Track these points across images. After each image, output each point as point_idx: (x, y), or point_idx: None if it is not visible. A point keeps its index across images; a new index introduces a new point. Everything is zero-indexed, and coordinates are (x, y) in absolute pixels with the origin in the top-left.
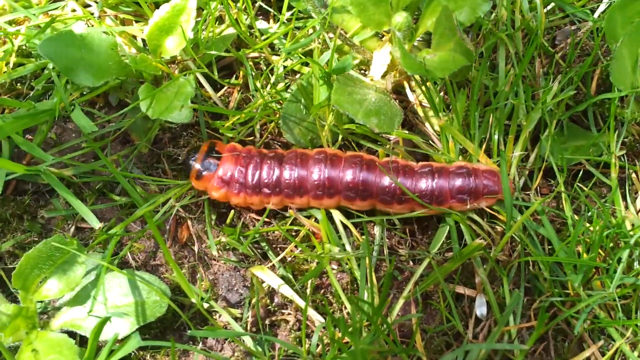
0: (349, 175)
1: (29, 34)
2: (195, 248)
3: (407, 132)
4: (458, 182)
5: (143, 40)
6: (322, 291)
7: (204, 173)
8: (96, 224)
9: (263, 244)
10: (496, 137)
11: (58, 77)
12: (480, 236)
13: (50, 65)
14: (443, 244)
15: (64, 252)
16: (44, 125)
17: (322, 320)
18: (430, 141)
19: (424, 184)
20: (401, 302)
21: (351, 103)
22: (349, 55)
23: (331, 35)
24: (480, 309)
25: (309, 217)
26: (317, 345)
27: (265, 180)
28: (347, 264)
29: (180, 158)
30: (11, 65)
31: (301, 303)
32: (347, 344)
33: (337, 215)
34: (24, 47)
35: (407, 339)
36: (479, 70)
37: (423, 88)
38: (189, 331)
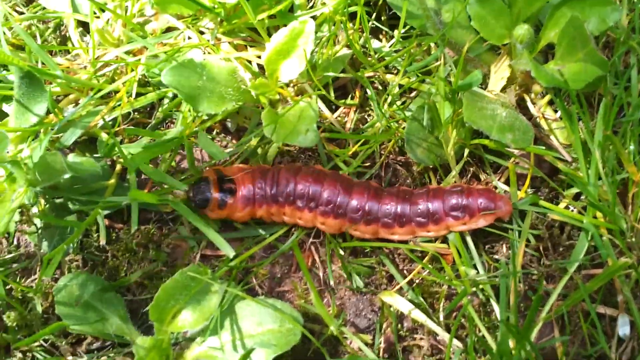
0: (355, 199)
1: (149, 64)
2: (320, 273)
3: (542, 147)
4: (452, 199)
5: (258, 65)
6: (454, 314)
7: (227, 200)
8: (231, 253)
9: (387, 266)
10: (632, 147)
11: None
12: (621, 252)
13: (170, 94)
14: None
15: (198, 282)
16: (168, 154)
17: (460, 345)
18: (559, 155)
19: (421, 204)
20: (540, 323)
21: (484, 119)
22: (476, 70)
23: (447, 51)
24: (623, 329)
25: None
26: None
27: (281, 190)
28: (480, 285)
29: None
30: (133, 95)
31: (435, 328)
32: None
33: (467, 236)
34: (140, 78)
35: None
36: (617, 81)
37: (557, 100)
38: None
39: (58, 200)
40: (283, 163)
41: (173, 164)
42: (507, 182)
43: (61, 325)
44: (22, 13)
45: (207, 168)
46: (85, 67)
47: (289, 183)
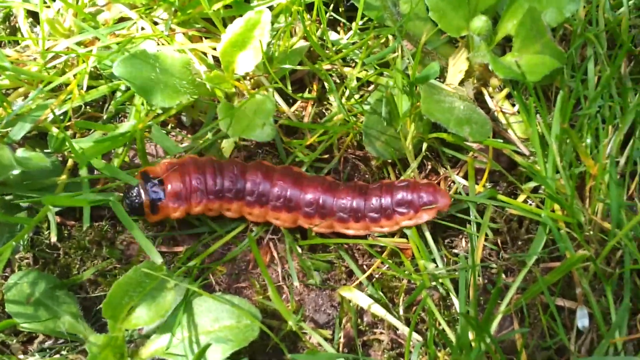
0: (309, 193)
1: (100, 55)
2: (279, 269)
3: (500, 140)
4: (398, 194)
5: (214, 57)
6: (414, 308)
7: (158, 202)
8: (158, 260)
9: (346, 262)
10: (588, 141)
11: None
12: (579, 244)
13: (123, 87)
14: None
15: (152, 279)
16: (121, 149)
17: (420, 338)
18: (517, 148)
19: (374, 199)
20: (499, 316)
21: (441, 112)
22: (434, 62)
23: (405, 43)
24: (582, 321)
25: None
26: None
27: (229, 186)
28: (440, 279)
29: None
30: (84, 88)
31: (394, 322)
32: None
33: (426, 230)
34: (92, 70)
35: (509, 355)
36: (574, 74)
37: (515, 93)
38: (289, 355)
39: (7, 197)
40: (239, 158)
41: (126, 159)
42: (465, 177)
43: (11, 323)
44: None
45: (137, 173)
46: (35, 59)
47: (237, 179)
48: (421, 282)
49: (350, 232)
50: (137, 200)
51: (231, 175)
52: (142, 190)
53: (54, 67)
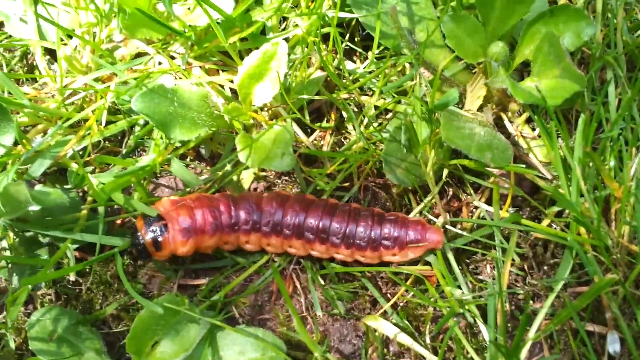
0: (310, 217)
1: (119, 91)
2: (302, 299)
3: (522, 165)
4: (385, 228)
5: (231, 89)
6: (441, 337)
7: (160, 238)
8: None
9: (369, 290)
10: (612, 164)
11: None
12: (607, 268)
13: (142, 121)
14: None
15: (175, 312)
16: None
17: None
18: (539, 173)
19: (363, 228)
20: (528, 343)
21: (462, 138)
22: (453, 89)
23: (422, 70)
24: (613, 346)
25: None
26: None
27: (245, 218)
28: (467, 306)
29: None
30: (103, 123)
31: (422, 351)
32: None
33: (451, 256)
34: (110, 105)
35: None
36: (595, 97)
37: (536, 117)
38: None
39: (28, 234)
40: (259, 189)
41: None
42: (488, 202)
43: None
44: None
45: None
46: (53, 96)
47: (253, 210)
48: (448, 309)
49: (340, 257)
50: (138, 241)
51: (247, 207)
52: (142, 231)
53: (72, 103)
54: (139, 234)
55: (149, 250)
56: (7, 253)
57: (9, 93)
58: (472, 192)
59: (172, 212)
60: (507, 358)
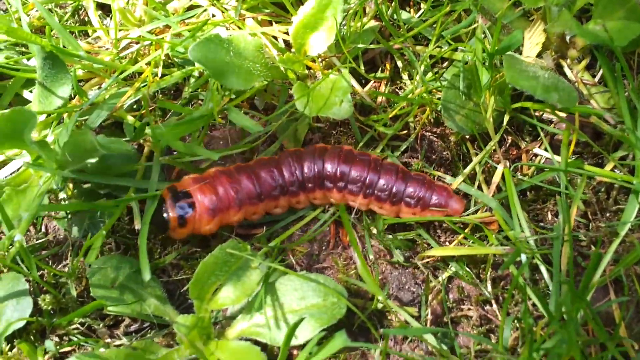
0: (329, 165)
1: (174, 42)
2: (360, 248)
3: (590, 106)
4: (410, 187)
5: (284, 41)
6: (502, 283)
7: (187, 216)
8: (147, 276)
9: (425, 236)
10: None
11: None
12: None
13: (196, 73)
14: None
15: (237, 258)
16: (197, 133)
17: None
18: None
19: (385, 181)
20: (592, 289)
21: (527, 79)
22: (516, 31)
23: (479, 18)
24: None
25: None
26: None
27: (272, 184)
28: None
29: None
30: (159, 74)
31: (484, 292)
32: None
33: (516, 200)
34: (163, 59)
35: (605, 328)
36: None
37: (601, 57)
38: (381, 330)
39: (85, 186)
40: (314, 140)
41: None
42: (547, 150)
43: (99, 305)
44: None
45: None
46: (107, 49)
47: (275, 176)
48: (512, 252)
49: (355, 205)
50: (163, 215)
51: (269, 174)
52: (168, 206)
53: (125, 57)
54: (164, 207)
55: (172, 225)
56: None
57: (64, 46)
58: (529, 140)
59: (197, 190)
60: (573, 302)
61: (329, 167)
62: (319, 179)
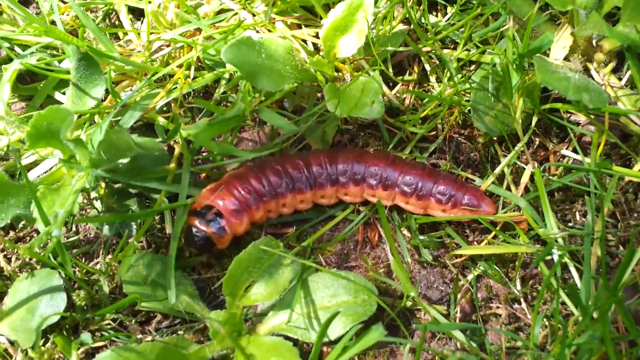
0: (340, 163)
1: (206, 45)
2: (387, 248)
3: (620, 106)
4: (442, 185)
5: (313, 44)
6: (531, 282)
7: (220, 225)
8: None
9: (454, 236)
10: None
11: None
12: None
13: (227, 75)
14: None
15: (270, 255)
16: (229, 134)
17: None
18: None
19: (411, 177)
20: (622, 287)
21: (558, 80)
22: (548, 32)
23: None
24: None
25: None
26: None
27: (277, 181)
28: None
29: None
30: (191, 76)
31: (513, 293)
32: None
33: (546, 199)
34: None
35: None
36: None
37: (630, 56)
38: (414, 324)
39: (117, 185)
40: (342, 142)
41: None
42: (574, 151)
43: (133, 299)
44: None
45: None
46: (139, 52)
47: (284, 172)
48: (542, 249)
49: (375, 200)
50: (201, 235)
51: (296, 168)
52: (200, 225)
53: (156, 60)
54: (195, 229)
55: (214, 239)
56: (98, 204)
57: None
58: (557, 141)
59: (216, 199)
60: (607, 297)
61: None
62: (349, 174)
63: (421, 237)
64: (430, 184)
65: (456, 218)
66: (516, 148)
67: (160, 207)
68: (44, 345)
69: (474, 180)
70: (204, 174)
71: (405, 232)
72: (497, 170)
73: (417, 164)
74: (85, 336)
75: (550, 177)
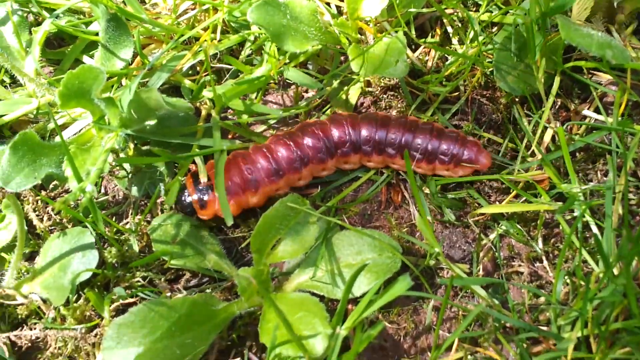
0: (364, 130)
1: (231, 7)
2: (410, 208)
3: None
4: (444, 144)
5: (336, 6)
6: (552, 240)
7: (205, 198)
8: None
9: (476, 196)
10: None
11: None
12: None
13: (252, 37)
14: None
15: (296, 213)
16: (255, 95)
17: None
18: None
19: (421, 140)
20: None
21: (582, 37)
22: None
23: None
24: None
25: None
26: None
27: (292, 157)
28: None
29: None
30: (217, 37)
31: (536, 247)
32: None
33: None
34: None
35: None
36: None
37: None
38: (438, 279)
39: (145, 147)
40: (365, 104)
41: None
42: (596, 111)
43: (164, 253)
44: None
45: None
46: (165, 14)
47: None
48: (565, 202)
49: (395, 167)
50: (185, 199)
51: (312, 139)
52: (188, 189)
53: (182, 22)
54: (186, 191)
55: (195, 207)
56: (127, 165)
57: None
58: (578, 102)
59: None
60: (626, 253)
61: (365, 133)
62: (376, 143)
63: (443, 197)
64: (435, 145)
65: (465, 179)
66: (545, 105)
67: (195, 152)
68: (76, 302)
69: (496, 143)
70: (231, 135)
71: (427, 191)
72: (530, 127)
73: (426, 125)
74: (119, 289)
75: (573, 137)
